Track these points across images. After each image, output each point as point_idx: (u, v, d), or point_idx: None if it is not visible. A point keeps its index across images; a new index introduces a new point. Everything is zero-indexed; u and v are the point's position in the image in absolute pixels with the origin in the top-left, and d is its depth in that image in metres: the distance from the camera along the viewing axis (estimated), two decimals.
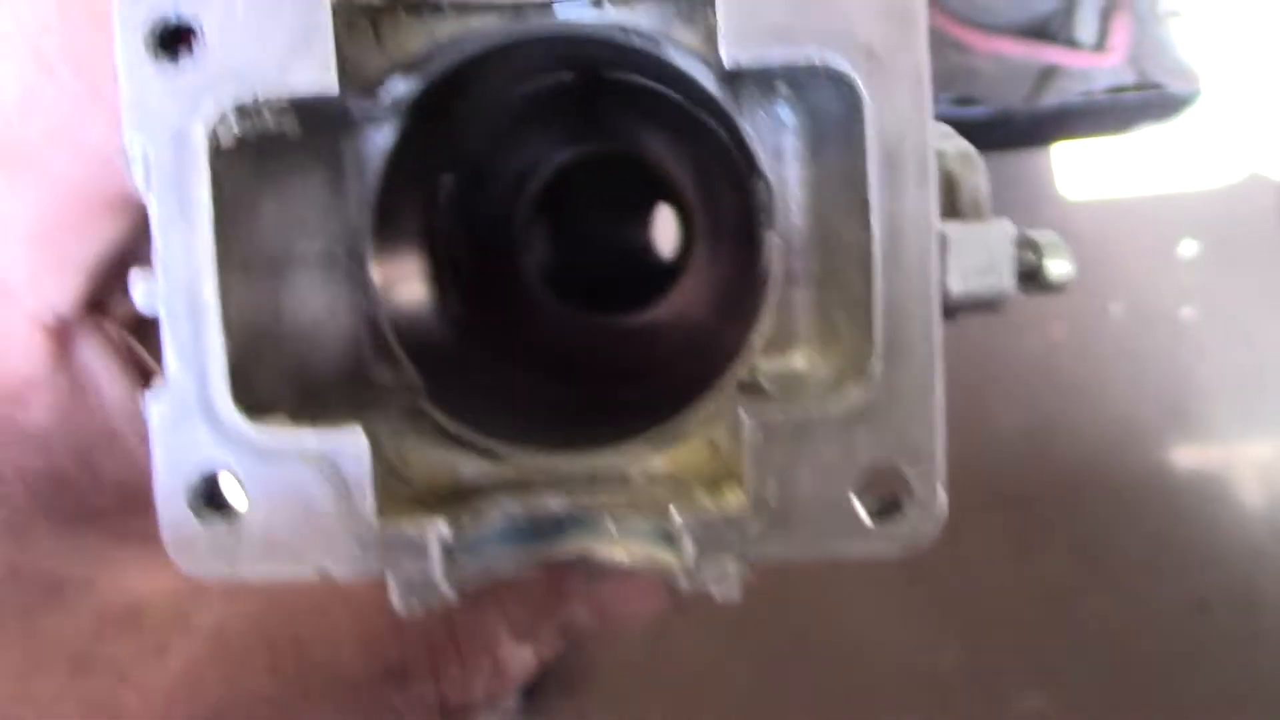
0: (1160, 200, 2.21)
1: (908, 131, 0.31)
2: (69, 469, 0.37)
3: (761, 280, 0.38)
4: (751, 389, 0.38)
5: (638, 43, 0.34)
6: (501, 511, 0.36)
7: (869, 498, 0.33)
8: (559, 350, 0.59)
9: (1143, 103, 1.79)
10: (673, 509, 0.34)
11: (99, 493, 0.38)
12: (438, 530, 0.33)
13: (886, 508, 0.33)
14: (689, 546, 0.33)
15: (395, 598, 0.33)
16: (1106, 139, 1.88)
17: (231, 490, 0.34)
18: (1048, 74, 1.74)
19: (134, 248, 0.36)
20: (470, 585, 0.34)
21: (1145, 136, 1.88)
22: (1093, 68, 1.72)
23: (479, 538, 0.35)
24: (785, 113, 0.36)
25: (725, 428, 0.37)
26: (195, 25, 0.31)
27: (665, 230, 0.68)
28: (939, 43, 1.67)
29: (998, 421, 1.89)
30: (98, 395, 0.37)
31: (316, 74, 0.32)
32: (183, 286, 0.32)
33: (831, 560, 0.33)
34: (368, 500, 0.33)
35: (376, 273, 0.40)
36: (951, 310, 0.33)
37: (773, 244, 0.37)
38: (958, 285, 0.32)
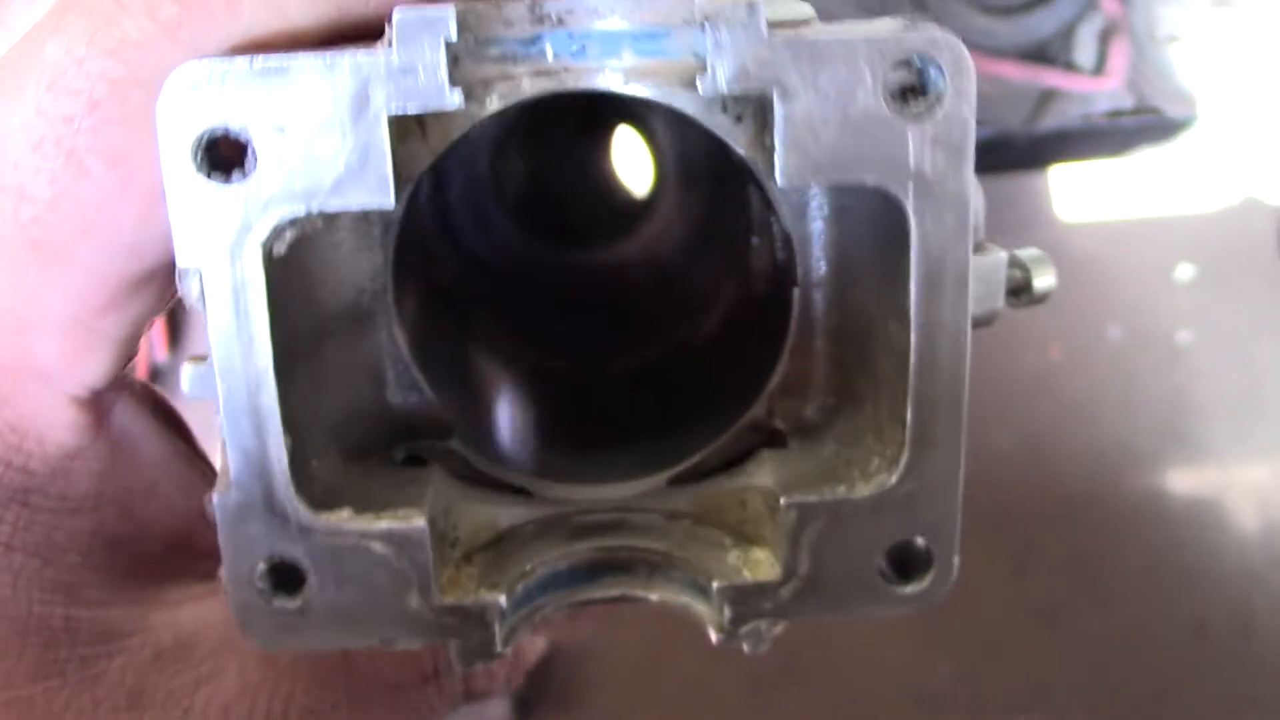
0: (1157, 223, 2.22)
1: (949, 250, 0.33)
2: (115, 526, 0.38)
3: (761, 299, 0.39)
4: (769, 433, 0.40)
5: (678, 109, 0.34)
6: (547, 568, 0.38)
7: (890, 564, 0.36)
8: (539, 299, 0.58)
9: (1140, 127, 1.80)
10: (714, 583, 0.36)
11: (145, 541, 0.39)
12: (497, 604, 0.36)
13: (905, 570, 0.36)
14: (726, 610, 0.36)
15: (456, 659, 0.36)
16: (1104, 161, 1.89)
17: (297, 572, 0.35)
18: (1047, 97, 1.75)
19: (160, 309, 0.37)
20: (519, 635, 0.37)
21: (1143, 160, 1.90)
22: (1091, 91, 1.73)
23: (526, 594, 0.37)
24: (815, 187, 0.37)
25: (754, 486, 0.38)
26: (246, 142, 0.31)
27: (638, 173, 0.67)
28: None
29: (993, 440, 1.90)
30: (135, 453, 0.39)
31: (375, 194, 0.32)
32: (243, 394, 0.33)
33: (855, 618, 0.36)
34: (429, 580, 0.35)
35: (395, 298, 0.40)
36: None
37: (793, 297, 0.38)
38: None
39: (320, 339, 0.37)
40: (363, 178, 0.31)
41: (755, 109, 0.34)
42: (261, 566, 0.35)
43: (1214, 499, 1.83)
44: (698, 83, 0.31)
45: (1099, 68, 1.72)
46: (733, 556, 0.38)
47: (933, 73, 0.31)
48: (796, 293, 0.38)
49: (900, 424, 0.34)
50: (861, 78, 0.31)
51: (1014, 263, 0.36)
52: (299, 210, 0.31)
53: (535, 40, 0.33)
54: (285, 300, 0.33)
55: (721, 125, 0.35)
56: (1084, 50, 1.71)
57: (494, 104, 0.33)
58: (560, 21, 0.32)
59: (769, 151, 0.32)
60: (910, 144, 0.32)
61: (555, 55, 0.33)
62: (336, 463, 0.37)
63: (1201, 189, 2.10)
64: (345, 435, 0.38)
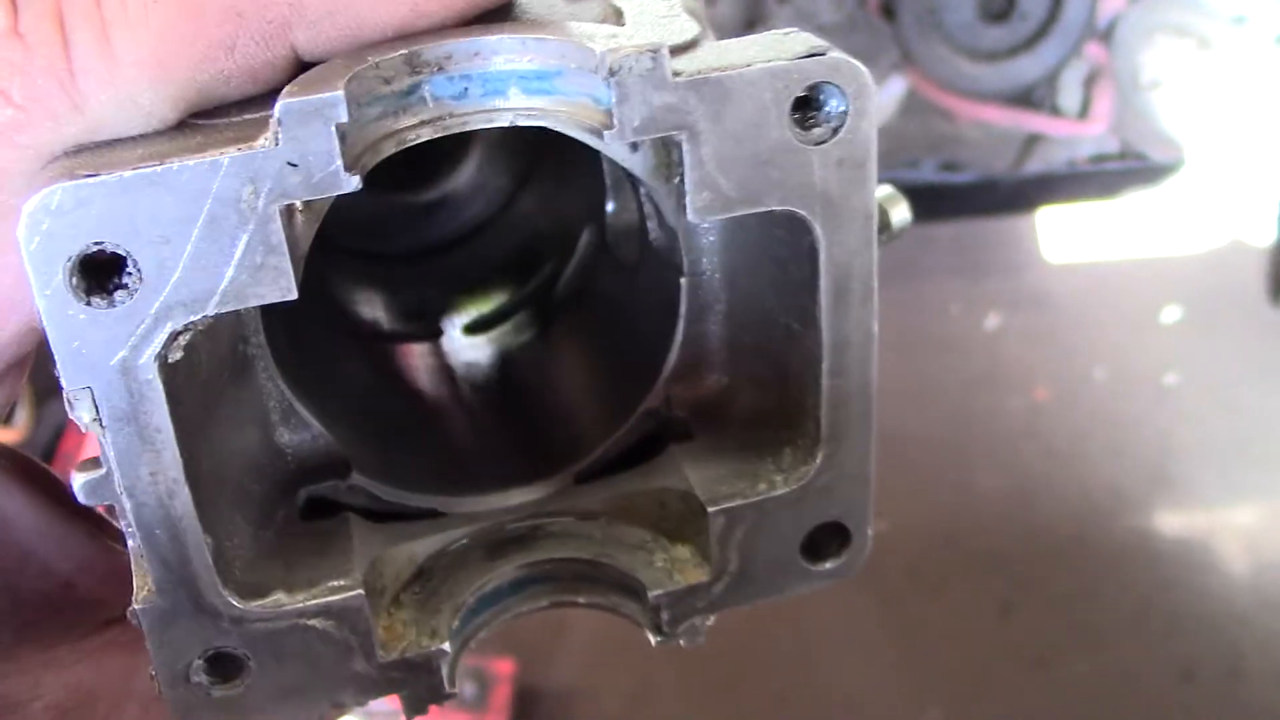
0: (1144, 265, 2.23)
1: (855, 262, 0.33)
2: None
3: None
4: (671, 422, 0.40)
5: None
6: (473, 595, 0.37)
7: (811, 545, 0.37)
8: (382, 247, 0.54)
9: (1126, 170, 1.82)
10: (650, 592, 0.36)
11: (26, 609, 0.38)
12: (443, 653, 0.35)
13: (825, 549, 0.37)
14: (663, 615, 0.36)
15: (406, 709, 0.36)
16: (1091, 204, 1.91)
17: (236, 661, 0.34)
18: (1032, 141, 1.77)
19: (17, 392, 0.35)
20: (460, 666, 0.37)
21: (1129, 203, 1.91)
22: (1076, 135, 1.75)
23: (462, 626, 0.37)
24: None
25: (671, 489, 0.38)
26: (125, 256, 0.28)
27: None
28: (926, 110, 1.70)
29: (981, 482, 1.90)
30: (6, 530, 0.37)
31: (277, 288, 0.29)
32: (155, 507, 0.31)
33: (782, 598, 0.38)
34: (371, 643, 0.34)
35: (267, 337, 0.37)
36: None
37: (682, 286, 0.38)
38: None
39: (211, 408, 0.34)
40: (261, 275, 0.29)
41: (656, 140, 0.33)
42: (198, 663, 0.33)
43: (1202, 542, 1.83)
44: (604, 134, 0.30)
45: (1084, 113, 1.74)
46: (658, 559, 0.38)
47: (835, 98, 0.31)
48: (685, 282, 0.38)
49: (814, 421, 0.35)
50: (767, 111, 0.31)
51: None
52: (194, 317, 0.29)
53: (414, 90, 0.31)
54: (179, 394, 0.31)
55: (618, 153, 0.34)
56: (1069, 95, 1.73)
57: (379, 159, 0.31)
58: (439, 68, 0.31)
59: (674, 184, 0.32)
60: (815, 167, 0.32)
61: (436, 100, 0.31)
62: (248, 536, 0.35)
63: (1188, 232, 2.12)
64: (248, 498, 0.36)
